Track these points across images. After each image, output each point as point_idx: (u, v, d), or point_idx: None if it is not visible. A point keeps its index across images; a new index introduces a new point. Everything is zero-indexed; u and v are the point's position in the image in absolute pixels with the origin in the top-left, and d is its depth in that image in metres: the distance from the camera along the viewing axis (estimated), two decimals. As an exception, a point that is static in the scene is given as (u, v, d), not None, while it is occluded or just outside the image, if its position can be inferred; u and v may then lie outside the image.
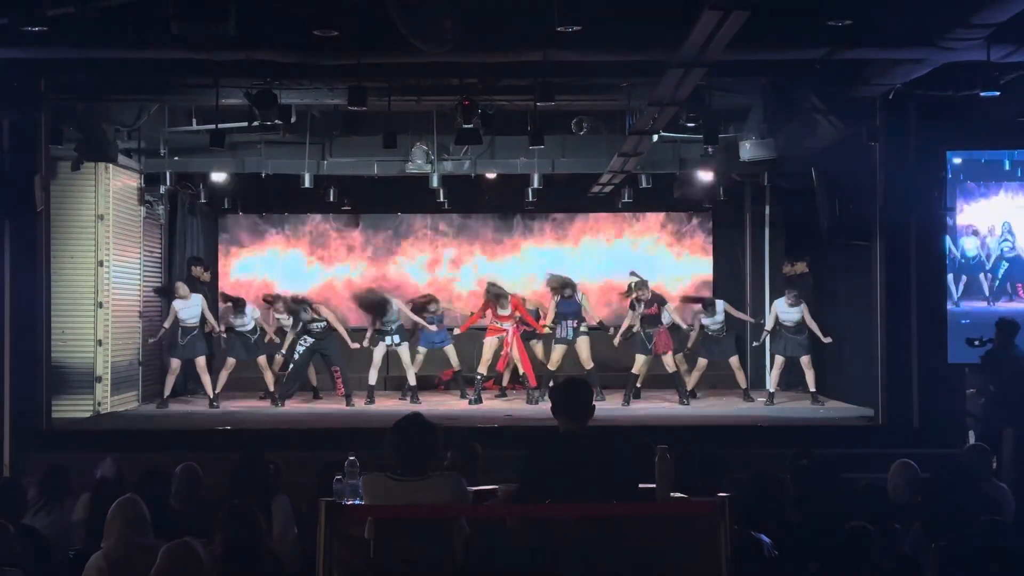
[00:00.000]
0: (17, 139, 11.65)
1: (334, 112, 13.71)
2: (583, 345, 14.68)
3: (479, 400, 14.44)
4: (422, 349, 15.09)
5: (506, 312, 14.66)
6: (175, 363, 14.39)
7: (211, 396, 14.44)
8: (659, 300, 14.74)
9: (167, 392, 14.47)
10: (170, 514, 6.75)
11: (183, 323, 14.31)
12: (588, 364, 14.65)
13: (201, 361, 14.45)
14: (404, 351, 14.77)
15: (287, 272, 17.44)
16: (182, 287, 14.57)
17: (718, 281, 17.66)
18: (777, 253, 17.00)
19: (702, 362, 15.02)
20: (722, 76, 11.07)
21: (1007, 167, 12.36)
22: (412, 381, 14.74)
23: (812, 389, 14.53)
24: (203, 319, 14.58)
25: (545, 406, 13.80)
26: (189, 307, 14.35)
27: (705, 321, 15.03)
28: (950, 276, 12.20)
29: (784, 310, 14.61)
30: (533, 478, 5.35)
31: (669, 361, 14.65)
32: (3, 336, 11.53)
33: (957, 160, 12.25)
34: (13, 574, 5.67)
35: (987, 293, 12.26)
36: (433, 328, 15.02)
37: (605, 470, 5.30)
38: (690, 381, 14.96)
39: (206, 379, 14.47)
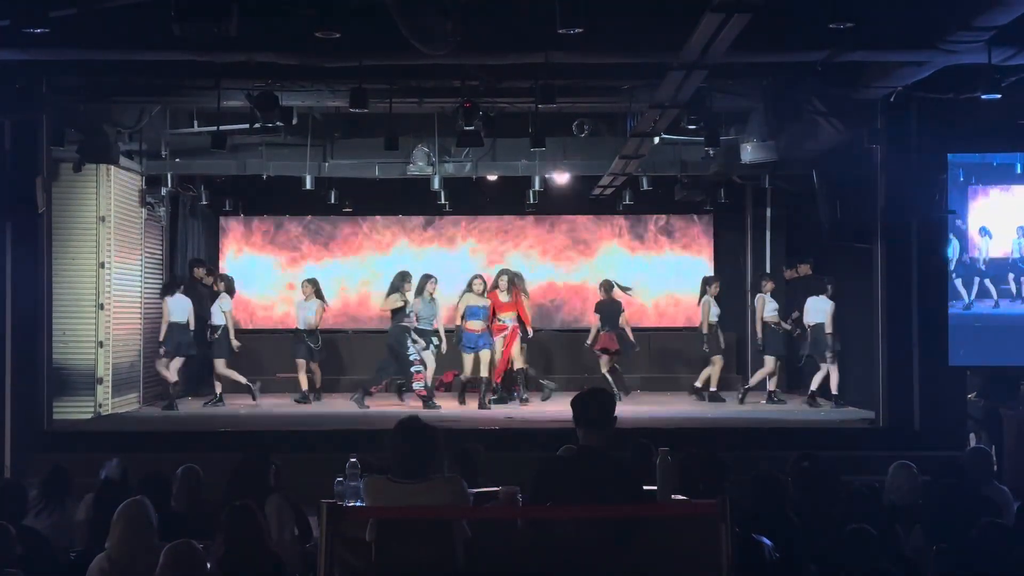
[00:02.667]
0: (18, 140, 11.65)
1: (335, 114, 13.72)
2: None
3: (490, 403, 14.30)
4: (466, 355, 14.39)
5: (507, 299, 14.59)
6: (179, 362, 14.46)
7: (217, 396, 14.59)
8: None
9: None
10: (171, 516, 6.74)
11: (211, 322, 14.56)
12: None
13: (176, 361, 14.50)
14: (430, 356, 14.47)
15: (288, 274, 17.45)
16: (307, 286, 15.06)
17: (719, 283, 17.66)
18: (778, 255, 17.01)
19: (717, 359, 15.10)
20: (723, 78, 11.08)
21: (1019, 170, 12.35)
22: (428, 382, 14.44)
23: (771, 388, 14.90)
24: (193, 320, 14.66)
25: (532, 407, 13.97)
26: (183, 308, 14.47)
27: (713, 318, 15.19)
28: (960, 280, 12.17)
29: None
30: (543, 495, 5.31)
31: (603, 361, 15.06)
32: (4, 337, 11.52)
33: (968, 163, 12.23)
34: (14, 576, 5.68)
35: (995, 296, 12.24)
36: (477, 328, 14.35)
37: (618, 489, 5.26)
38: (711, 380, 15.08)
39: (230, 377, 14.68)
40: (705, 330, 15.29)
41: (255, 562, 5.65)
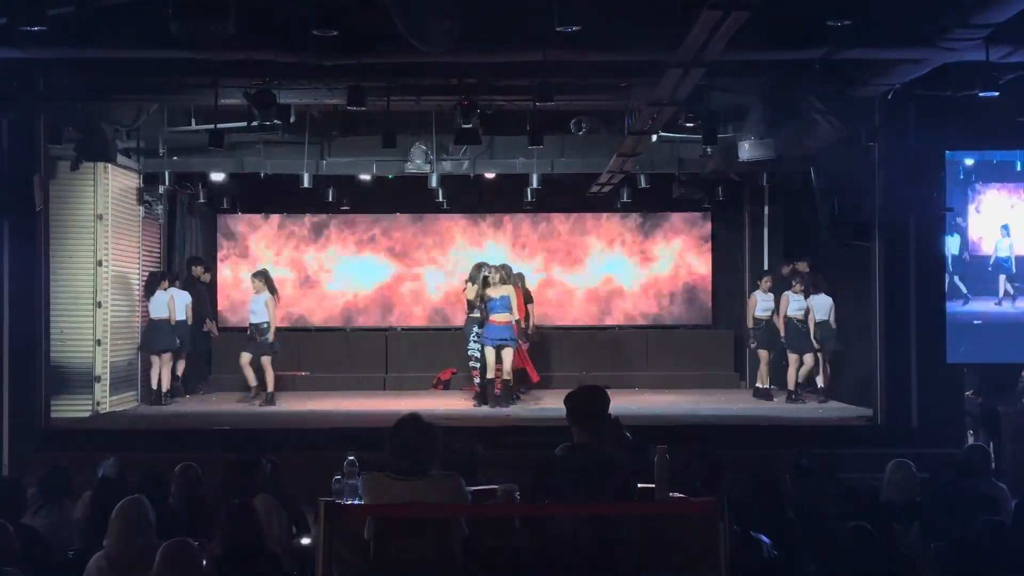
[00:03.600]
0: (16, 139, 11.64)
1: (333, 112, 13.71)
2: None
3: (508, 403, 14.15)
4: (490, 348, 13.90)
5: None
6: (166, 357, 14.63)
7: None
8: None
9: (166, 387, 14.62)
10: (169, 514, 6.74)
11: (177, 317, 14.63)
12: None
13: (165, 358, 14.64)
14: (489, 349, 13.99)
15: (287, 271, 17.44)
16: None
17: (717, 281, 17.67)
18: (776, 253, 17.00)
19: (763, 354, 15.14)
20: (721, 76, 11.07)
21: (1018, 168, 12.35)
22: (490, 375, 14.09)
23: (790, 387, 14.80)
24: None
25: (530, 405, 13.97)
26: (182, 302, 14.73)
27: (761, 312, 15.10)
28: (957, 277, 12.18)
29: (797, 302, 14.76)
30: (539, 493, 5.31)
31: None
32: (2, 335, 11.52)
33: (969, 161, 12.23)
34: (12, 574, 5.66)
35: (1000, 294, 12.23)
36: (503, 320, 13.81)
37: (613, 487, 5.26)
38: (761, 376, 15.07)
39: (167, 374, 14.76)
40: (751, 324, 15.23)
41: (254, 560, 5.65)
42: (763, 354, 15.10)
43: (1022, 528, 6.57)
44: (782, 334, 14.82)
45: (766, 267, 16.77)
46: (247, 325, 14.75)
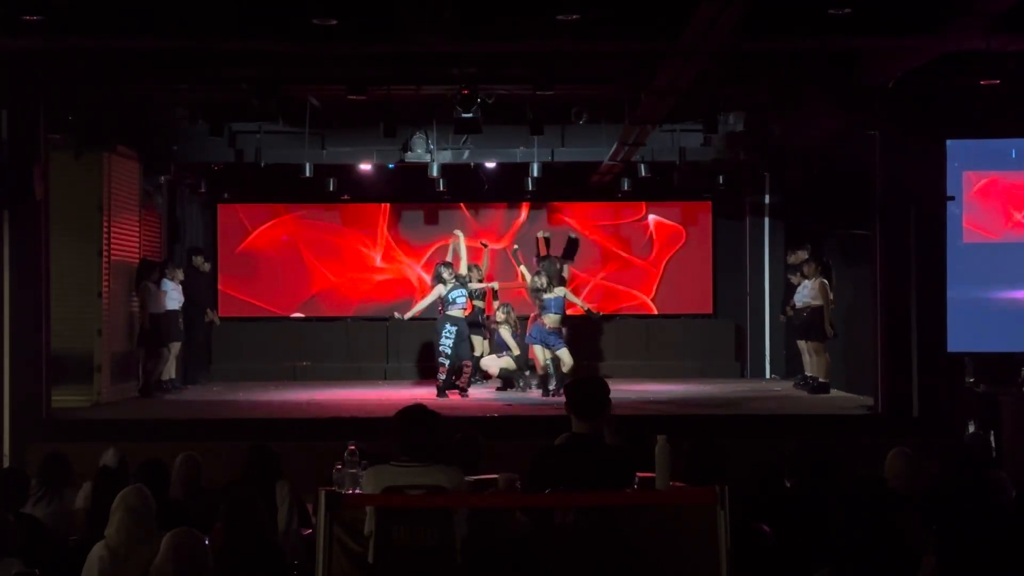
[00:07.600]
0: (16, 128, 11.63)
1: (333, 101, 13.69)
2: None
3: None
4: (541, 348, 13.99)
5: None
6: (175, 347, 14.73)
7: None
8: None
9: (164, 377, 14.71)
10: (170, 505, 6.74)
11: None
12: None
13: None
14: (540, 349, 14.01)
15: (286, 264, 17.44)
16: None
17: (717, 270, 17.64)
18: (777, 242, 16.98)
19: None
20: (722, 65, 11.05)
21: (1013, 156, 12.33)
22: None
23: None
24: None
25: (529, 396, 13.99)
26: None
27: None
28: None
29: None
30: (538, 483, 5.32)
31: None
32: (3, 326, 11.52)
33: (962, 149, 12.20)
34: (13, 564, 5.67)
35: None
36: (552, 323, 13.79)
37: (611, 476, 5.27)
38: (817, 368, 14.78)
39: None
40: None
41: (255, 551, 5.65)
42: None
43: (1023, 517, 6.57)
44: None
45: (767, 256, 16.76)
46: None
